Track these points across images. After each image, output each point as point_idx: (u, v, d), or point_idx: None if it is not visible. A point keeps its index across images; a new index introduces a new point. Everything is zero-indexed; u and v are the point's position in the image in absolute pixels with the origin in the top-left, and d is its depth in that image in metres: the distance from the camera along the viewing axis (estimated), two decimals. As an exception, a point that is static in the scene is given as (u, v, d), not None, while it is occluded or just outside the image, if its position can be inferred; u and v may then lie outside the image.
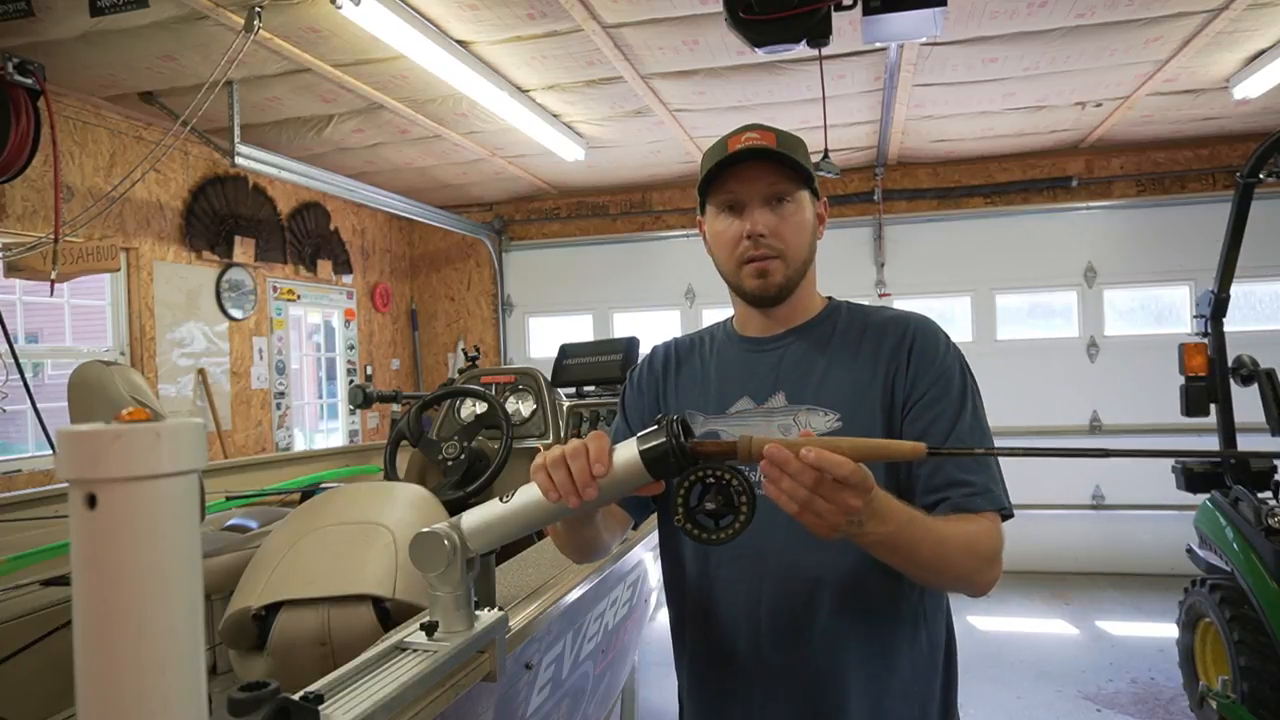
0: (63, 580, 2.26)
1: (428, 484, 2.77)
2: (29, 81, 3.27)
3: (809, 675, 1.21)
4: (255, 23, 3.11)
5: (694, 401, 1.33)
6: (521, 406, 3.16)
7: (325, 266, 6.08)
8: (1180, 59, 4.13)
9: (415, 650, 1.10)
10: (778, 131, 1.25)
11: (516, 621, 1.33)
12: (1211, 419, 3.39)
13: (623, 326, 6.93)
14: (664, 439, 1.02)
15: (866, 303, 1.37)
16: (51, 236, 3.52)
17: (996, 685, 4.05)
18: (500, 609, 1.24)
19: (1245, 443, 3.37)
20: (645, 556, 2.13)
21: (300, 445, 5.95)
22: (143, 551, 0.58)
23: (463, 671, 1.13)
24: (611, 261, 6.99)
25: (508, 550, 1.43)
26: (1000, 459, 1.18)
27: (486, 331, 7.25)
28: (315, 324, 6.59)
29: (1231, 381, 3.36)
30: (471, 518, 1.14)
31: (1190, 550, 3.58)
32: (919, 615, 1.22)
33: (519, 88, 4.34)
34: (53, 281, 3.53)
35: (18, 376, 2.76)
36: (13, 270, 3.85)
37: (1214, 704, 3.06)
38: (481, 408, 2.91)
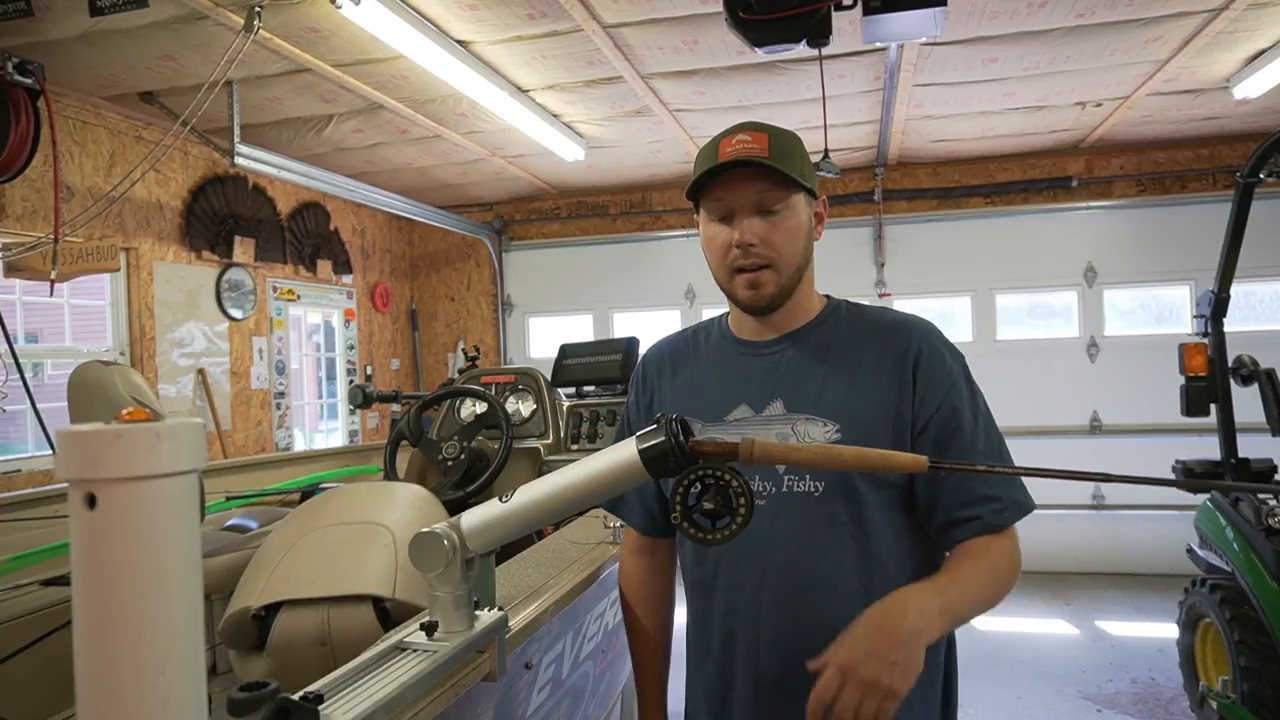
0: (63, 580, 2.26)
1: (428, 484, 2.76)
2: (29, 81, 3.27)
3: (808, 685, 1.20)
4: (255, 23, 3.11)
5: (690, 406, 1.30)
6: (521, 406, 3.16)
7: (325, 266, 6.08)
8: (1180, 59, 4.13)
9: (415, 650, 1.10)
10: (771, 132, 1.21)
11: (516, 621, 1.33)
12: (1211, 419, 3.39)
13: (623, 326, 6.93)
14: (663, 438, 1.02)
15: (866, 303, 1.36)
16: (51, 236, 3.52)
17: (996, 685, 4.05)
18: (500, 609, 1.24)
19: (1245, 443, 3.37)
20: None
21: (300, 445, 5.95)
22: (143, 551, 0.58)
23: (463, 671, 1.12)
24: (611, 261, 6.99)
25: (508, 550, 1.44)
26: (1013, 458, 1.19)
27: (486, 331, 7.25)
28: (315, 324, 6.59)
29: (1231, 381, 3.36)
30: (471, 518, 1.14)
31: (1190, 550, 3.58)
32: None
33: (519, 88, 4.34)
34: (53, 281, 3.52)
35: (18, 376, 2.76)
36: (13, 270, 3.85)
37: (1214, 704, 3.06)
38: (481, 408, 2.91)
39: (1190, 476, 3.45)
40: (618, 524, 1.88)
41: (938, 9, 2.59)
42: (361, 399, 3.15)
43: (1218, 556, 3.27)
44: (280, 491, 3.32)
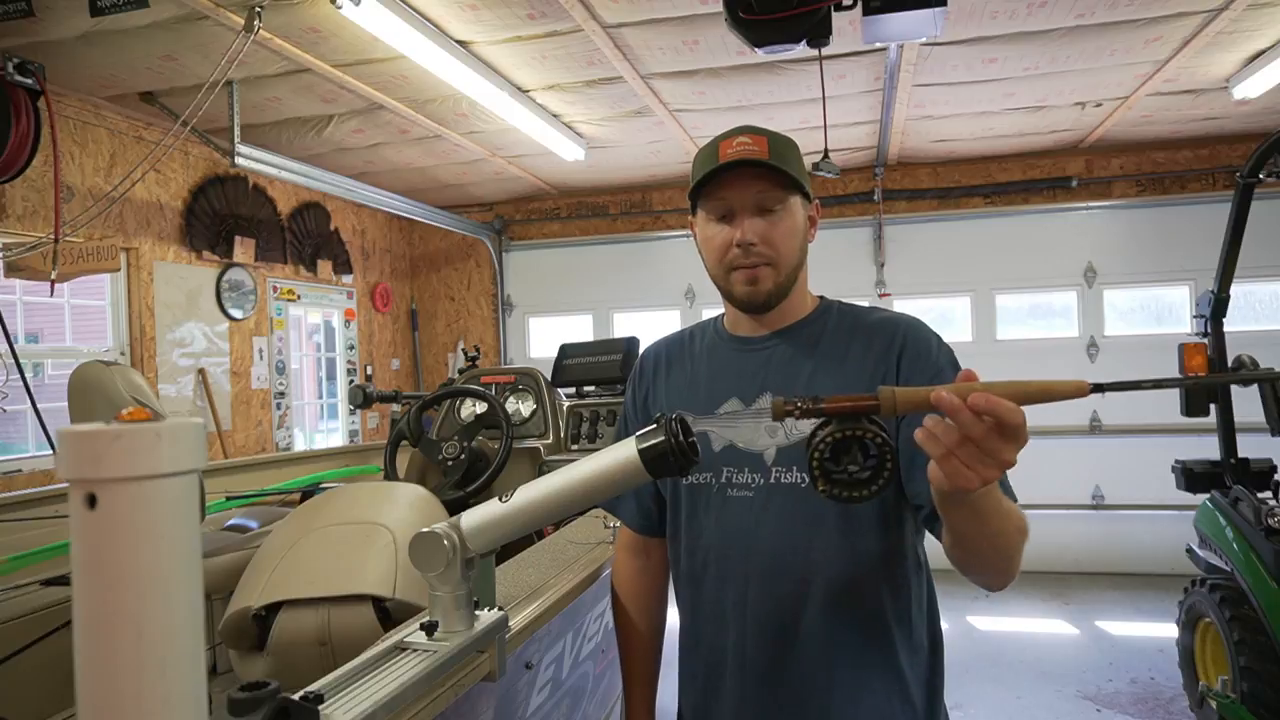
0: (63, 580, 2.26)
1: (428, 484, 2.76)
2: (29, 81, 3.28)
3: (793, 676, 1.22)
4: (255, 23, 3.11)
5: (684, 401, 1.33)
6: (521, 406, 3.16)
7: (325, 266, 6.08)
8: (1180, 59, 4.13)
9: (415, 650, 1.10)
10: (770, 135, 1.24)
11: (516, 621, 1.33)
12: (1211, 419, 3.39)
13: (623, 326, 6.93)
14: (663, 438, 1.02)
15: (865, 303, 1.37)
16: (51, 236, 3.52)
17: (996, 685, 4.05)
18: (500, 609, 1.24)
19: (1245, 443, 3.37)
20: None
21: (300, 445, 5.95)
22: (143, 551, 0.58)
23: (463, 671, 1.13)
24: (611, 261, 6.99)
25: (508, 550, 1.44)
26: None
27: (486, 331, 7.25)
28: (315, 324, 6.59)
29: (1231, 381, 3.35)
30: (471, 518, 1.14)
31: (1190, 550, 3.58)
32: (904, 616, 1.23)
33: (519, 88, 4.34)
34: (53, 281, 3.53)
35: (18, 376, 2.76)
36: (13, 270, 3.85)
37: (1214, 704, 3.06)
38: (481, 408, 2.91)
39: (1190, 477, 3.45)
40: (617, 524, 1.88)
41: (938, 9, 2.59)
42: (362, 399, 3.15)
43: (1217, 556, 3.27)
44: (280, 491, 3.32)
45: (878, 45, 3.69)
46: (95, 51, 3.56)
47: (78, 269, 3.89)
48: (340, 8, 3.04)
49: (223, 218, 5.11)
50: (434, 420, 3.11)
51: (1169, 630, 3.76)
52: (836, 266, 6.33)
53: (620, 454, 1.05)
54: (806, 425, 1.17)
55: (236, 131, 4.12)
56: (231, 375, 5.21)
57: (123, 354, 4.54)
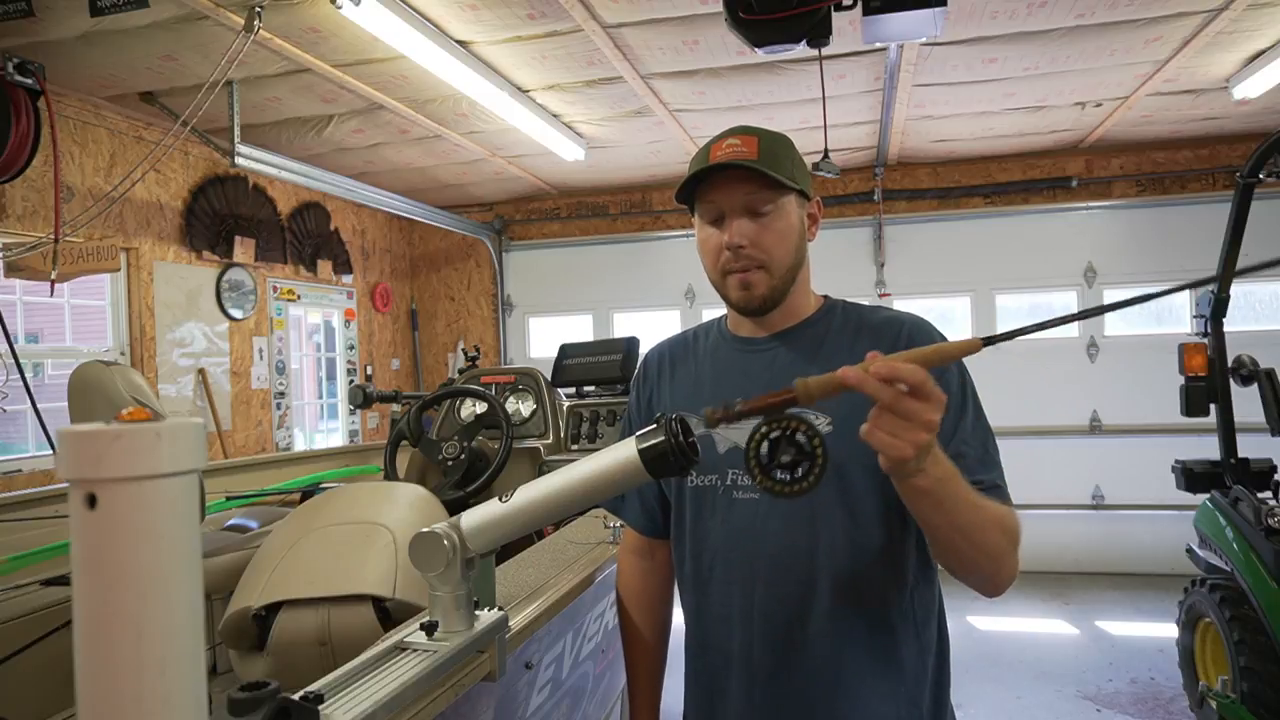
0: (63, 580, 2.26)
1: (428, 484, 2.77)
2: (29, 81, 3.28)
3: (800, 678, 1.21)
4: (255, 23, 3.11)
5: (688, 403, 1.32)
6: (521, 406, 3.16)
7: (325, 266, 6.08)
8: (1180, 59, 4.13)
9: (415, 650, 1.10)
10: (761, 135, 1.23)
11: (516, 621, 1.33)
12: (1211, 419, 3.39)
13: (623, 326, 6.93)
14: (663, 438, 1.02)
15: (866, 303, 1.36)
16: (51, 236, 3.52)
17: (996, 685, 4.05)
18: (500, 609, 1.24)
19: (1245, 443, 3.37)
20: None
21: (300, 445, 5.95)
22: (143, 552, 0.58)
23: (463, 671, 1.13)
24: (611, 261, 6.99)
25: (508, 550, 1.44)
26: (1001, 460, 1.18)
27: (486, 331, 7.25)
28: (315, 324, 6.59)
29: (1231, 381, 3.36)
30: (471, 518, 1.14)
31: (1190, 550, 3.58)
32: (910, 618, 1.22)
33: (519, 88, 4.34)
34: (53, 281, 3.53)
35: (18, 376, 2.76)
36: (13, 270, 3.85)
37: (1214, 704, 3.06)
38: (481, 408, 2.91)
39: (1190, 477, 3.45)
40: (617, 524, 1.88)
41: (938, 9, 2.59)
42: (362, 399, 3.15)
43: (1217, 556, 3.27)
44: (280, 491, 3.32)
45: (878, 45, 3.69)
46: (95, 51, 3.56)
47: (78, 269, 3.89)
48: (340, 8, 3.04)
49: (223, 218, 5.11)
50: (434, 420, 3.11)
51: (1169, 630, 3.76)
52: (836, 266, 6.33)
53: (620, 454, 1.05)
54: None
55: (236, 131, 4.12)
56: (231, 375, 5.21)
57: (123, 354, 4.54)
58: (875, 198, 6.37)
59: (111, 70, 3.80)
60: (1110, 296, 6.12)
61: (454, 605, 1.14)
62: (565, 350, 3.44)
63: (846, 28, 3.27)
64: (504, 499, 1.13)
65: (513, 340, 7.24)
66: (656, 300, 6.86)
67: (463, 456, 2.71)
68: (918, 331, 1.24)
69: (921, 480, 0.94)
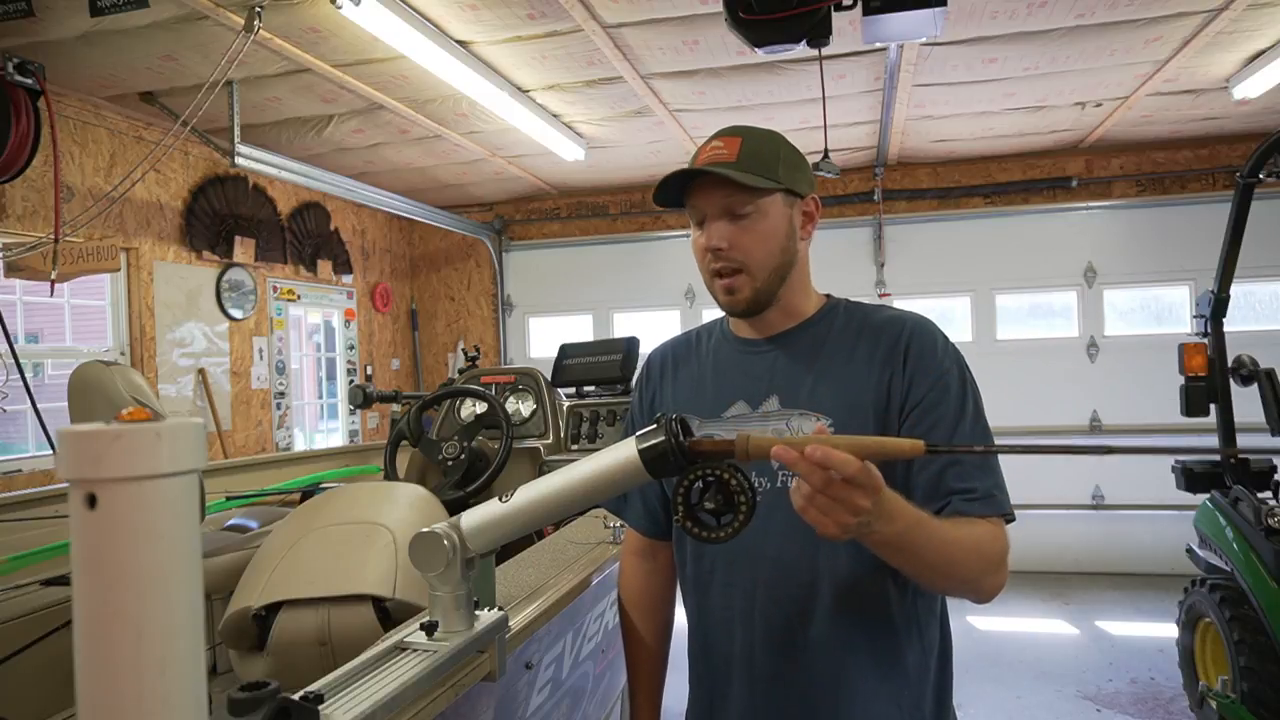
0: (63, 580, 2.26)
1: (428, 484, 2.76)
2: (29, 81, 3.27)
3: (801, 681, 1.21)
4: (255, 23, 3.11)
5: (690, 404, 1.32)
6: (521, 406, 3.16)
7: (325, 266, 6.08)
8: (1180, 59, 4.13)
9: (415, 650, 1.10)
10: (745, 136, 1.23)
11: (516, 621, 1.33)
12: (1211, 419, 3.39)
13: (623, 326, 6.93)
14: (663, 438, 1.02)
15: (867, 302, 1.36)
16: (51, 236, 3.52)
17: (996, 685, 4.05)
18: (500, 609, 1.24)
19: (1245, 443, 3.36)
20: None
21: (300, 445, 5.95)
22: (143, 551, 0.58)
23: (463, 671, 1.13)
24: (611, 261, 6.99)
25: (508, 550, 1.44)
26: (1001, 459, 1.18)
27: (486, 331, 7.25)
28: (315, 324, 6.60)
29: (1231, 381, 3.36)
30: (471, 518, 1.14)
31: (1190, 550, 3.58)
32: (912, 620, 1.22)
33: (519, 88, 4.34)
34: (53, 281, 3.53)
35: (18, 376, 2.76)
36: (13, 270, 3.85)
37: (1214, 704, 3.06)
38: (481, 408, 2.91)
39: (1190, 476, 3.45)
40: (617, 524, 1.88)
41: (938, 9, 2.59)
42: (362, 399, 3.15)
43: (1217, 556, 3.27)
44: (280, 491, 3.32)
45: (878, 45, 3.69)
46: (95, 51, 3.56)
47: (78, 269, 3.89)
48: (340, 8, 3.04)
49: (223, 218, 5.11)
50: (434, 420, 3.11)
51: (1169, 630, 3.76)
52: (836, 266, 6.33)
53: (620, 454, 1.05)
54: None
55: (236, 131, 4.12)
56: (231, 375, 5.21)
57: (123, 354, 4.54)
58: (875, 198, 6.37)
59: (111, 70, 3.80)
60: (1110, 296, 6.13)
61: (454, 605, 1.14)
62: (565, 350, 3.44)
63: (846, 28, 3.27)
64: (504, 499, 1.13)
65: (513, 340, 7.24)
66: (656, 300, 6.86)
67: (463, 456, 2.71)
68: (920, 331, 1.24)
69: (874, 538, 0.97)
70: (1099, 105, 4.96)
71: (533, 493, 1.12)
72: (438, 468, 2.77)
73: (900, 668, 1.21)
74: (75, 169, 4.18)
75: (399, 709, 0.98)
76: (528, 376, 3.22)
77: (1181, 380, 3.38)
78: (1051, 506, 5.99)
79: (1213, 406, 3.36)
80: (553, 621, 1.51)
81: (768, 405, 1.26)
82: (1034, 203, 6.20)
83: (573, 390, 3.37)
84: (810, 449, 0.88)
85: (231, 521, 2.87)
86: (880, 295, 6.37)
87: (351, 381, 6.48)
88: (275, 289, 5.66)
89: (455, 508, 1.41)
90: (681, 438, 1.02)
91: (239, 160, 4.17)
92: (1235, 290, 3.39)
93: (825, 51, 3.40)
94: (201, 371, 4.97)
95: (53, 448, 2.91)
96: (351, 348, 6.56)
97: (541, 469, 2.97)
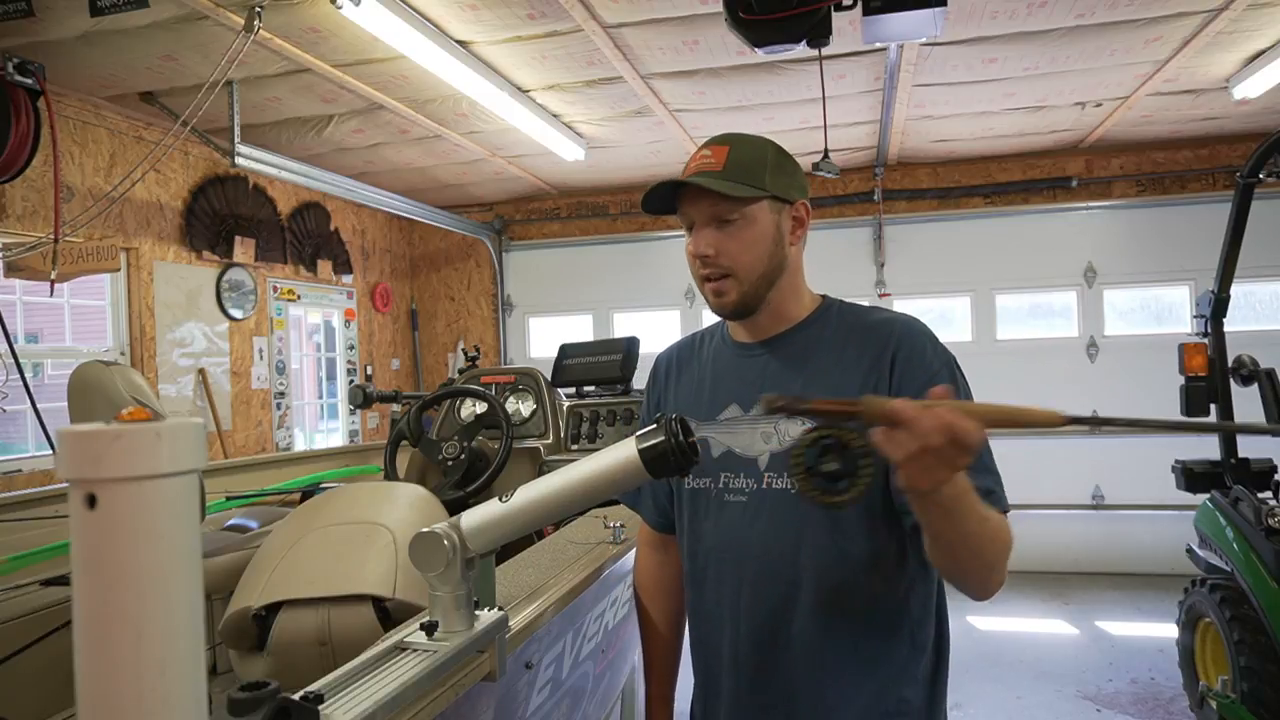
0: (63, 580, 2.26)
1: (428, 484, 2.76)
2: (29, 81, 3.28)
3: (783, 679, 1.24)
4: (255, 23, 3.11)
5: (689, 407, 1.36)
6: (521, 406, 3.16)
7: (325, 266, 6.08)
8: (1180, 59, 4.13)
9: (415, 650, 1.10)
10: (733, 144, 1.24)
11: (516, 621, 1.33)
12: (1211, 419, 3.38)
13: (623, 326, 6.93)
14: (663, 438, 1.02)
15: (865, 303, 1.37)
16: (51, 236, 3.53)
17: (996, 685, 4.05)
18: (500, 609, 1.24)
19: (1245, 443, 3.37)
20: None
21: (300, 445, 5.95)
22: (143, 552, 0.58)
23: (463, 671, 1.12)
24: (611, 261, 6.99)
25: (508, 550, 1.43)
26: (1000, 460, 1.18)
27: (486, 331, 7.25)
28: (315, 324, 6.60)
29: (1231, 381, 3.36)
30: (471, 518, 1.14)
31: (1190, 550, 3.58)
32: (902, 618, 1.23)
33: (519, 88, 4.34)
34: (53, 281, 3.53)
35: (18, 376, 2.76)
36: (13, 270, 3.85)
37: (1214, 704, 3.06)
38: (481, 408, 2.91)
39: (1190, 476, 3.45)
40: (617, 524, 1.90)
41: (937, 9, 2.59)
42: (362, 399, 3.15)
43: (1217, 556, 3.27)
44: (280, 491, 3.32)
45: (878, 45, 3.69)
46: (95, 51, 3.56)
47: (78, 269, 3.89)
48: (340, 8, 3.04)
49: (223, 218, 5.11)
50: (434, 420, 3.11)
51: (1169, 630, 3.76)
52: (836, 266, 6.33)
53: (620, 454, 1.06)
54: (796, 430, 1.19)
55: (236, 131, 4.12)
56: (231, 375, 5.21)
57: (123, 354, 4.54)
58: (875, 198, 6.37)
59: (111, 70, 3.80)
60: (1110, 296, 6.13)
61: (454, 605, 1.14)
62: (565, 350, 3.44)
63: (846, 28, 3.27)
64: (504, 499, 1.13)
65: (513, 340, 7.24)
66: (656, 300, 6.85)
67: (463, 456, 2.71)
68: (908, 334, 1.25)
69: (937, 497, 0.96)
70: (1099, 105, 4.96)
71: (533, 493, 1.12)
72: (438, 468, 2.77)
73: (886, 664, 1.22)
74: (75, 169, 4.18)
75: (399, 709, 0.98)
76: (528, 376, 3.22)
77: (1181, 380, 3.38)
78: (1051, 506, 5.99)
79: (1213, 406, 3.36)
80: (553, 621, 1.51)
81: (759, 408, 1.28)
82: (1034, 203, 6.20)
83: (573, 390, 3.37)
84: (941, 411, 0.87)
85: (231, 521, 2.87)
86: (880, 295, 6.37)
87: (351, 381, 6.48)
88: (275, 289, 5.66)
89: (455, 508, 1.42)
90: (682, 438, 1.02)
91: (239, 160, 4.17)
92: (1235, 290, 3.40)
93: (825, 51, 3.40)
94: (201, 371, 4.97)
95: (53, 448, 2.91)
96: (351, 348, 6.56)
97: (541, 469, 2.97)
